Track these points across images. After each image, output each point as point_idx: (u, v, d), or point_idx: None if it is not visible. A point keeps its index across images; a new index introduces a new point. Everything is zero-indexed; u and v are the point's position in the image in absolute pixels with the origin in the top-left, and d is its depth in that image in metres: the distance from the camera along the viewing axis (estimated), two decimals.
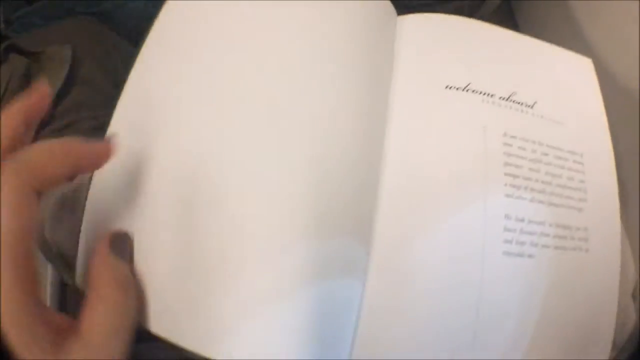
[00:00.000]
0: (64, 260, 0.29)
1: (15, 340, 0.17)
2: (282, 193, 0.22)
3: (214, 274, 0.21)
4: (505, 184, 0.24)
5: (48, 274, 0.38)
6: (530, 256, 0.24)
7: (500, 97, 0.27)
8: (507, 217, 0.24)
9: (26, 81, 0.40)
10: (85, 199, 0.25)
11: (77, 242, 0.26)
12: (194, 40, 0.26)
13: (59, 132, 0.41)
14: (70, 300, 0.39)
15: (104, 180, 0.24)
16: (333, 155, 0.23)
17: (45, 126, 0.41)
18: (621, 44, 0.34)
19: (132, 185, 0.23)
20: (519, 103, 0.27)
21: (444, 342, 0.22)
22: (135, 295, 0.21)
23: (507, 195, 0.24)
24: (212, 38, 0.26)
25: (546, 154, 0.26)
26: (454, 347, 0.22)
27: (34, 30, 0.46)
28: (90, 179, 0.25)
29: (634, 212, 0.31)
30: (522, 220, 0.24)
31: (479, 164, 0.24)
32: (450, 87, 0.26)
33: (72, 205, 0.29)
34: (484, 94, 0.26)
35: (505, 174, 0.24)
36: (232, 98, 0.24)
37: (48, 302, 0.37)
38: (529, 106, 0.27)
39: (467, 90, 0.26)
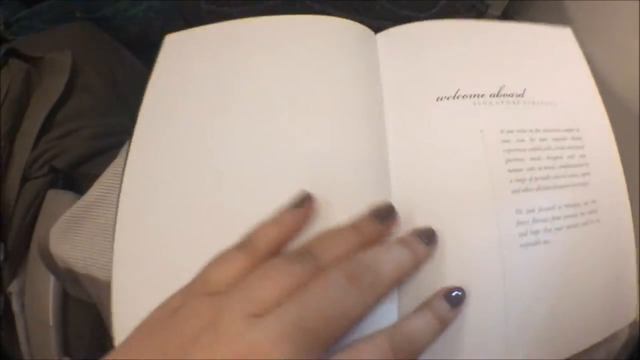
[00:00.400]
0: (70, 274, 0.30)
1: None
2: None
3: None
4: (511, 181, 0.26)
5: (50, 285, 0.38)
6: (546, 242, 0.25)
7: (490, 95, 0.28)
8: (517, 211, 0.25)
9: (26, 87, 0.40)
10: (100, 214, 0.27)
11: (83, 256, 0.27)
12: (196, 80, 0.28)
13: (59, 140, 0.42)
14: (71, 310, 0.40)
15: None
16: (338, 178, 0.25)
17: (44, 134, 0.41)
18: (620, 53, 0.34)
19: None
20: (509, 95, 0.28)
21: (476, 347, 0.24)
22: None
23: (514, 191, 0.25)
24: (213, 79, 0.28)
25: (544, 139, 0.27)
26: (486, 348, 0.24)
27: (33, 33, 0.47)
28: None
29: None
30: (533, 210, 0.25)
31: (483, 169, 0.26)
32: (441, 98, 0.27)
33: (79, 222, 0.30)
34: (474, 95, 0.27)
35: (509, 171, 0.26)
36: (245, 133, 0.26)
37: (50, 313, 0.38)
38: (519, 95, 0.28)
39: (458, 97, 0.27)
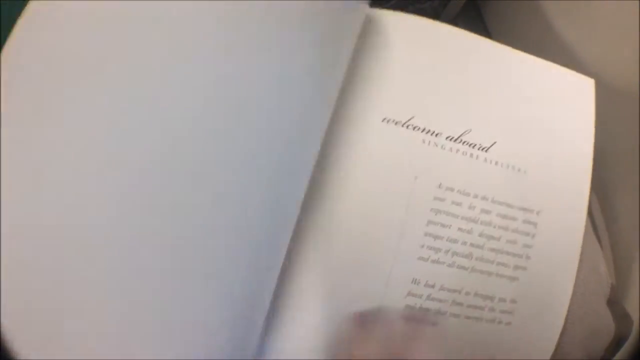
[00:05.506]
0: None
1: None
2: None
3: None
4: (422, 246, 0.21)
5: None
6: (433, 324, 0.22)
7: (447, 137, 0.22)
8: (414, 281, 0.21)
9: None
10: None
11: None
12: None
13: None
14: None
15: None
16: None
17: None
18: (600, 44, 0.27)
19: None
20: (470, 144, 0.22)
21: None
22: None
23: (421, 259, 0.21)
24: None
25: (487, 212, 0.22)
26: None
27: None
28: None
29: (614, 208, 0.27)
30: (433, 286, 0.21)
31: (397, 220, 0.21)
32: (388, 121, 0.22)
33: None
34: (428, 132, 0.22)
35: (426, 234, 0.21)
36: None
37: None
38: (483, 149, 0.22)
39: (408, 127, 0.22)
